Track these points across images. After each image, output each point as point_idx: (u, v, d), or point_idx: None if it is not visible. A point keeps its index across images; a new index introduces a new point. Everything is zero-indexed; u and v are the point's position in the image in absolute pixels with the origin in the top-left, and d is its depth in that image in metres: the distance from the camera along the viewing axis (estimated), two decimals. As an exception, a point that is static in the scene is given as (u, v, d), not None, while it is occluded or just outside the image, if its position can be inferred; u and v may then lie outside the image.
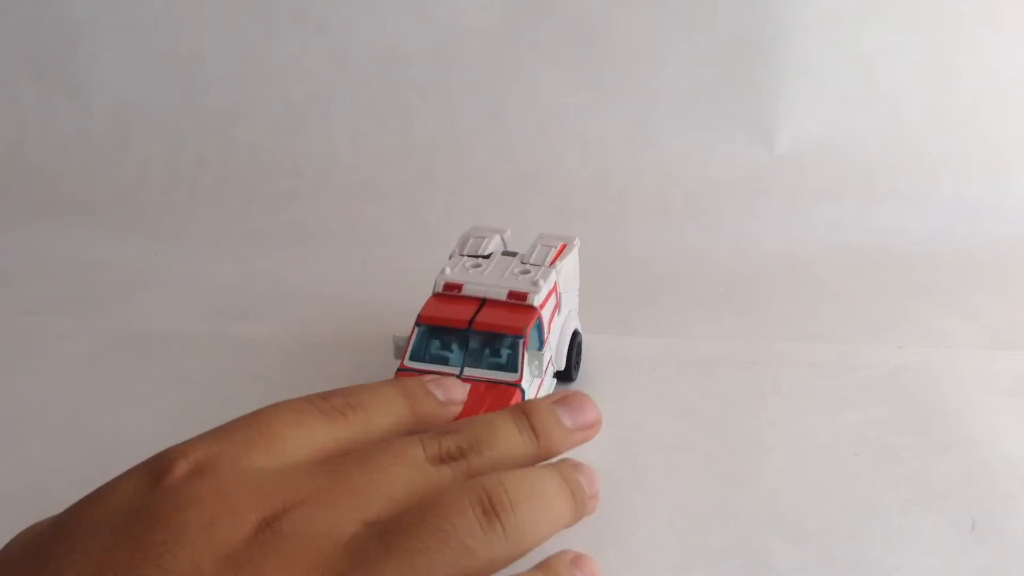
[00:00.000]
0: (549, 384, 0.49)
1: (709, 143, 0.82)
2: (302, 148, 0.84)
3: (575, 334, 0.51)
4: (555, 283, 0.48)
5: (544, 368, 0.47)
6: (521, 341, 0.44)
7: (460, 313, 0.45)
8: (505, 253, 0.51)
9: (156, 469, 0.29)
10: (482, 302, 0.46)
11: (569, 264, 0.51)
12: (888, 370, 0.53)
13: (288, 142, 0.84)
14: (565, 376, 0.51)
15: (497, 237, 0.52)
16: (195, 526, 0.27)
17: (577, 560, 0.32)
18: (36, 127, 0.86)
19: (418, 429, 0.34)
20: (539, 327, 0.46)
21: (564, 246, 0.51)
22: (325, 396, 0.33)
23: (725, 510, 0.42)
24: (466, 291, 0.47)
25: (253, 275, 0.66)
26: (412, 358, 0.45)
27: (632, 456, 0.46)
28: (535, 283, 0.46)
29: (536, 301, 0.46)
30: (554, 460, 0.35)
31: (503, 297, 0.46)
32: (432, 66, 0.84)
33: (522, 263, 0.49)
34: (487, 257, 0.50)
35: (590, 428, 0.36)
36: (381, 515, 0.29)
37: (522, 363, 0.44)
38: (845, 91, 0.81)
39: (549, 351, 0.48)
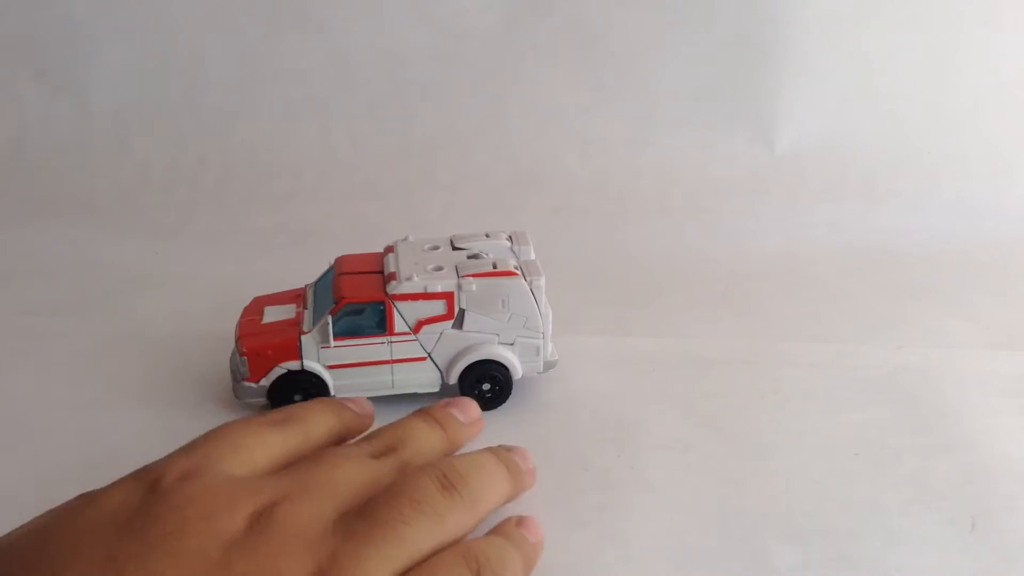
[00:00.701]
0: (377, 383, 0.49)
1: (709, 143, 0.82)
2: (302, 148, 0.84)
3: (487, 363, 0.49)
4: (451, 292, 0.48)
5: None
6: (333, 305, 0.48)
7: (360, 266, 0.51)
8: (456, 248, 0.52)
9: (145, 479, 0.32)
10: (383, 271, 0.50)
11: (491, 290, 0.48)
12: (888, 370, 0.53)
13: (288, 142, 0.84)
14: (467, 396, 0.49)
15: (498, 239, 0.52)
16: (195, 519, 0.30)
17: (521, 521, 0.37)
18: (36, 127, 0.86)
19: (347, 436, 0.40)
20: (379, 310, 0.48)
21: (507, 272, 0.49)
22: (266, 413, 0.38)
23: (725, 510, 0.42)
24: (390, 256, 0.51)
25: (253, 275, 0.66)
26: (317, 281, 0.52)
27: (632, 456, 0.46)
28: (410, 278, 0.48)
29: (394, 289, 0.48)
30: (493, 447, 0.40)
31: (384, 271, 0.50)
32: (432, 66, 0.84)
33: (441, 266, 0.50)
34: (459, 249, 0.51)
35: (477, 423, 0.43)
36: (349, 504, 0.33)
37: (313, 319, 0.49)
38: (845, 91, 0.81)
39: (416, 348, 0.49)
